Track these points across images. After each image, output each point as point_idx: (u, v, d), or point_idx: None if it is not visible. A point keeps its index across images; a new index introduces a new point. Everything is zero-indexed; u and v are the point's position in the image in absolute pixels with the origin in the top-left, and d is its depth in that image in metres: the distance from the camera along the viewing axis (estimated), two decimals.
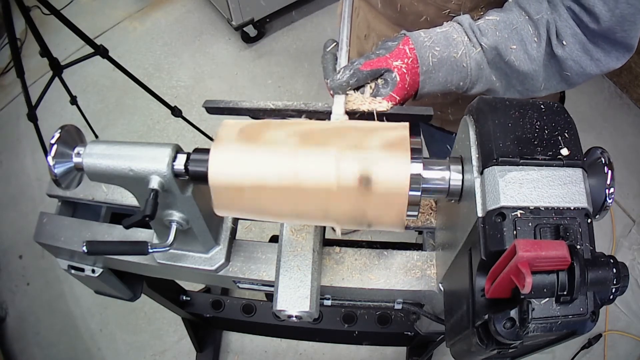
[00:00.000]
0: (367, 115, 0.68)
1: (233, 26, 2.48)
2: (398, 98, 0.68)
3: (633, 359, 1.90)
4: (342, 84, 0.66)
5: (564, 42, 0.67)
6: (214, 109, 0.72)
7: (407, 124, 0.56)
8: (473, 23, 0.69)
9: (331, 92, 0.69)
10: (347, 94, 0.68)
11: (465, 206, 0.57)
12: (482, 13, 0.78)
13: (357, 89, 0.69)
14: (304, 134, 0.56)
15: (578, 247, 0.48)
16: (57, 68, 1.66)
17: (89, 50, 1.68)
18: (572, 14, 0.67)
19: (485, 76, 0.71)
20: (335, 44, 0.72)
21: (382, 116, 0.68)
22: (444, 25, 0.71)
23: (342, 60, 0.70)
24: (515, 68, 0.69)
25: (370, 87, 0.69)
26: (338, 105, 0.67)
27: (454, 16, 0.78)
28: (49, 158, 0.62)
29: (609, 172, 0.54)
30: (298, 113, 0.70)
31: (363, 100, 0.67)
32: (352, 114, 0.68)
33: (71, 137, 0.66)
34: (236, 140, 0.57)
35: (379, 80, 0.68)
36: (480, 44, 0.68)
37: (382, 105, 0.67)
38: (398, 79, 0.66)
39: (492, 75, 0.71)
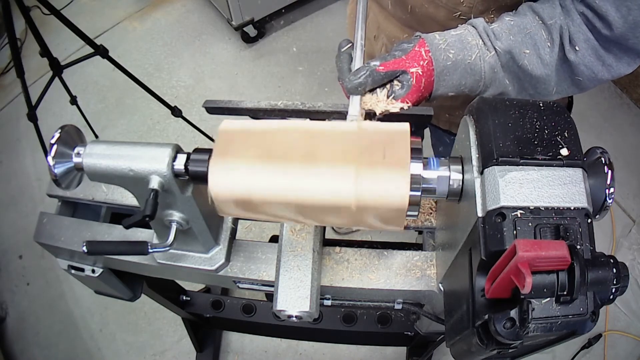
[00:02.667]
0: (371, 115, 0.68)
1: (233, 26, 2.48)
2: (412, 100, 0.68)
3: (633, 359, 1.90)
4: (358, 85, 0.66)
5: (577, 48, 0.68)
6: (214, 109, 0.72)
7: (407, 162, 0.54)
8: (487, 26, 0.69)
9: (346, 92, 0.69)
10: (362, 95, 0.68)
11: (465, 206, 0.57)
12: (492, 16, 0.78)
13: (371, 90, 0.69)
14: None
15: (578, 247, 0.48)
16: (57, 68, 1.66)
17: (89, 50, 1.68)
18: (585, 19, 0.67)
19: (499, 79, 0.71)
20: (350, 44, 0.72)
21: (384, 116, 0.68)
22: (459, 27, 0.71)
23: (358, 61, 0.69)
24: (528, 72, 0.69)
25: (386, 88, 0.69)
26: (354, 106, 0.67)
27: (465, 19, 0.78)
28: (49, 158, 0.62)
29: (609, 172, 0.54)
30: (298, 113, 0.70)
31: (378, 102, 0.67)
32: (364, 115, 0.68)
33: (71, 137, 0.66)
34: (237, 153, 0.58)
35: (395, 82, 0.68)
36: (495, 48, 0.68)
37: (396, 106, 0.67)
38: (414, 81, 0.67)
39: (506, 79, 0.71)
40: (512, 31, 0.69)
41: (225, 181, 0.56)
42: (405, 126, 0.56)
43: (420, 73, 0.67)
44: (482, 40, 0.69)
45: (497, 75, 0.70)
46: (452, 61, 0.68)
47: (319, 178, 0.54)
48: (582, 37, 0.67)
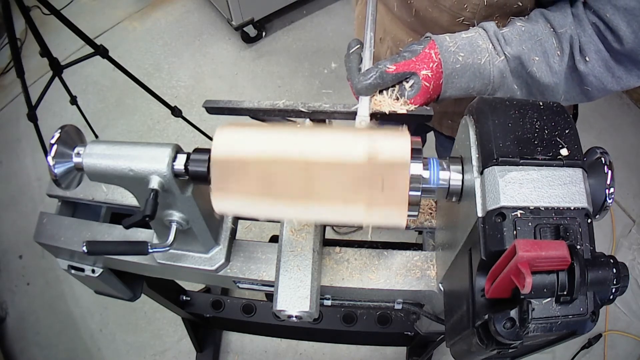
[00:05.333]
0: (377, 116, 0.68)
1: (233, 26, 2.48)
2: (421, 101, 0.68)
3: (633, 359, 1.90)
4: (368, 85, 0.66)
5: (587, 58, 0.68)
6: (214, 109, 0.72)
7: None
8: (498, 31, 0.69)
9: (355, 92, 0.68)
10: (371, 96, 0.68)
11: (465, 206, 0.57)
12: (496, 22, 0.78)
13: (380, 90, 0.69)
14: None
15: (578, 247, 0.48)
16: (57, 68, 1.66)
17: (89, 50, 1.68)
18: (596, 30, 0.67)
19: (507, 84, 0.71)
20: (360, 44, 0.72)
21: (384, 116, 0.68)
22: (470, 30, 0.71)
23: (367, 62, 0.69)
24: (537, 79, 0.69)
25: (394, 89, 0.68)
26: (363, 107, 0.66)
27: (468, 24, 0.78)
28: (49, 158, 0.62)
29: (609, 172, 0.54)
30: (298, 113, 0.70)
31: (386, 103, 0.67)
32: (372, 115, 0.68)
33: (71, 137, 0.66)
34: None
35: (405, 84, 0.68)
36: (504, 53, 0.68)
37: (404, 108, 0.67)
38: (423, 83, 0.67)
39: (514, 84, 0.71)
40: (523, 37, 0.69)
41: (227, 210, 0.59)
42: (406, 156, 0.54)
43: (430, 75, 0.67)
44: (492, 45, 0.69)
45: (505, 80, 0.70)
46: (462, 64, 0.67)
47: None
48: (593, 48, 0.68)
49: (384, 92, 0.68)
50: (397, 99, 0.68)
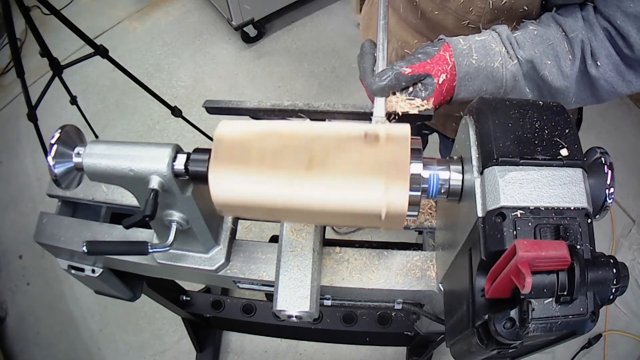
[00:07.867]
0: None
1: (233, 26, 2.48)
2: (434, 103, 0.68)
3: (633, 359, 1.90)
4: (383, 87, 0.66)
5: (598, 63, 0.68)
6: (214, 109, 0.72)
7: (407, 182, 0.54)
8: (511, 34, 0.70)
9: (369, 93, 0.69)
10: (387, 97, 0.68)
11: (465, 206, 0.57)
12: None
13: (394, 92, 0.69)
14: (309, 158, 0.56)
15: (578, 247, 0.48)
16: (57, 68, 1.66)
17: (89, 50, 1.68)
18: (607, 34, 0.68)
19: (519, 88, 0.71)
20: (373, 46, 0.72)
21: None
22: (483, 33, 0.71)
23: (381, 63, 0.69)
24: (548, 83, 0.70)
25: (408, 91, 0.69)
26: (379, 108, 0.67)
27: (473, 27, 0.78)
28: (49, 158, 0.62)
29: (609, 172, 0.54)
30: (298, 113, 0.70)
31: (400, 104, 0.68)
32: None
33: (71, 137, 0.66)
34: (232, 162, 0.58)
35: (419, 85, 0.68)
36: (517, 57, 0.69)
37: (415, 109, 0.67)
38: (437, 86, 0.67)
39: (526, 87, 0.72)
40: (535, 41, 0.69)
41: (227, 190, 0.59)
42: (405, 209, 0.53)
43: (444, 78, 0.67)
44: (505, 48, 0.69)
45: (518, 84, 0.71)
46: (475, 67, 0.68)
47: None
48: (604, 53, 0.68)
49: (398, 93, 0.69)
50: (411, 100, 0.68)
